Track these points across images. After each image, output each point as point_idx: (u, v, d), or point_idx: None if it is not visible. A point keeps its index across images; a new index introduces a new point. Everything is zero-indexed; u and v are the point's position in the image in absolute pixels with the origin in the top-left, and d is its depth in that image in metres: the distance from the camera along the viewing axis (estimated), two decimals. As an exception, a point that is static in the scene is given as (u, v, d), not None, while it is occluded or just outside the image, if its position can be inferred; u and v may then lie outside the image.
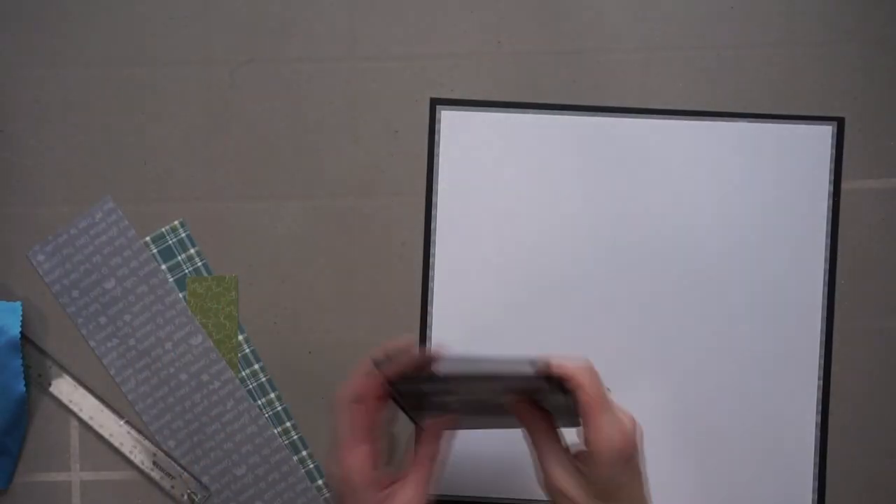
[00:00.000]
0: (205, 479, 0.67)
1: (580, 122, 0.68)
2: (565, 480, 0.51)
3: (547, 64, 0.68)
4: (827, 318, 0.68)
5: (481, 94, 0.68)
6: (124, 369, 0.67)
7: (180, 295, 0.67)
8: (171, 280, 0.67)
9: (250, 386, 0.68)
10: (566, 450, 0.54)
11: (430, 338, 0.68)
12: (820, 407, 0.67)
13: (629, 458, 0.52)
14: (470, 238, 0.68)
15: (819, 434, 0.67)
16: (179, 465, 0.67)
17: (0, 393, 0.65)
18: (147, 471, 0.67)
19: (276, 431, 0.68)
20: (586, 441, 0.51)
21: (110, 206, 0.67)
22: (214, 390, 0.67)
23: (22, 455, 0.68)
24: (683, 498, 0.66)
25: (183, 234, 0.68)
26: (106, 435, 0.67)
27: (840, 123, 0.68)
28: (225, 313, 0.68)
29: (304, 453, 0.68)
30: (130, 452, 0.67)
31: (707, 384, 0.67)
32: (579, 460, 0.53)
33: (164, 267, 0.68)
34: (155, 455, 0.67)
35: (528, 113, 0.68)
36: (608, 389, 0.52)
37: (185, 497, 0.67)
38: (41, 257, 0.67)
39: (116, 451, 0.68)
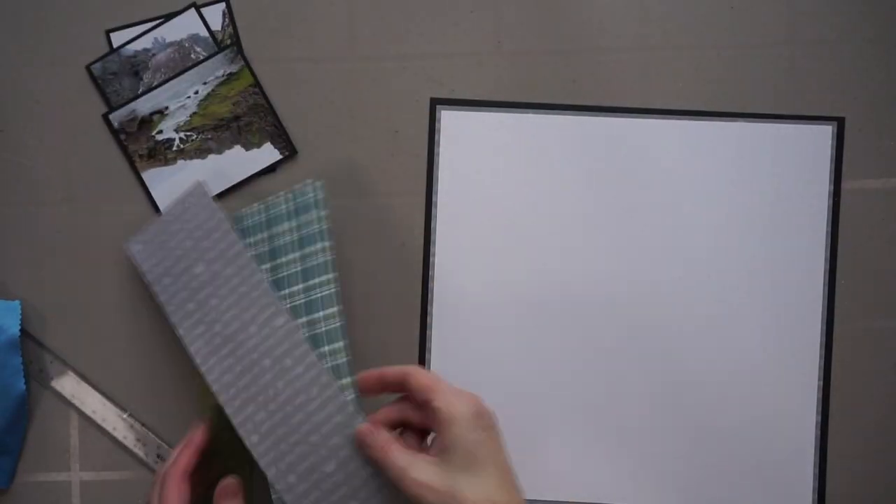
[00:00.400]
0: (291, 478, 0.59)
1: (580, 122, 0.68)
2: (425, 473, 0.52)
3: (547, 64, 0.68)
4: (827, 318, 0.68)
5: (481, 94, 0.68)
6: (210, 357, 0.62)
7: (265, 276, 0.63)
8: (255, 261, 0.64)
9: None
10: (413, 452, 0.55)
11: (430, 338, 0.68)
12: (820, 407, 0.67)
13: (479, 414, 0.54)
14: (470, 238, 0.68)
15: (819, 434, 0.67)
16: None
17: (0, 392, 0.65)
18: (151, 464, 0.67)
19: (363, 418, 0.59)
20: (436, 412, 0.54)
21: (201, 190, 0.64)
22: (298, 376, 0.60)
23: (22, 455, 0.68)
24: (683, 497, 0.66)
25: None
26: (109, 429, 0.67)
27: (840, 123, 0.68)
28: None
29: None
30: (134, 446, 0.67)
31: (707, 384, 0.67)
32: (429, 453, 0.55)
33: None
34: (159, 447, 0.67)
35: (528, 113, 0.68)
36: None
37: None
38: (138, 247, 0.64)
39: (117, 449, 0.68)
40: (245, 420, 0.59)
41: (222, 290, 0.62)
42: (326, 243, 0.63)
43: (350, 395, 0.59)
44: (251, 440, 0.59)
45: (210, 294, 0.62)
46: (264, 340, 0.60)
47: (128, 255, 0.64)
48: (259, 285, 0.62)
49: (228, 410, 0.60)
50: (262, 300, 0.61)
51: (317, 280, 0.62)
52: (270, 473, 0.58)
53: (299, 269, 0.63)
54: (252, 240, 0.64)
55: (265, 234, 0.64)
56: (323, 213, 0.63)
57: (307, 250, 0.63)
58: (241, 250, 0.62)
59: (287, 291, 0.62)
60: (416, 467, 0.53)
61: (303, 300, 0.62)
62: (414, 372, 0.56)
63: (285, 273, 0.63)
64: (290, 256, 0.63)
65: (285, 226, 0.64)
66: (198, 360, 0.61)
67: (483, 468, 0.53)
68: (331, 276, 0.62)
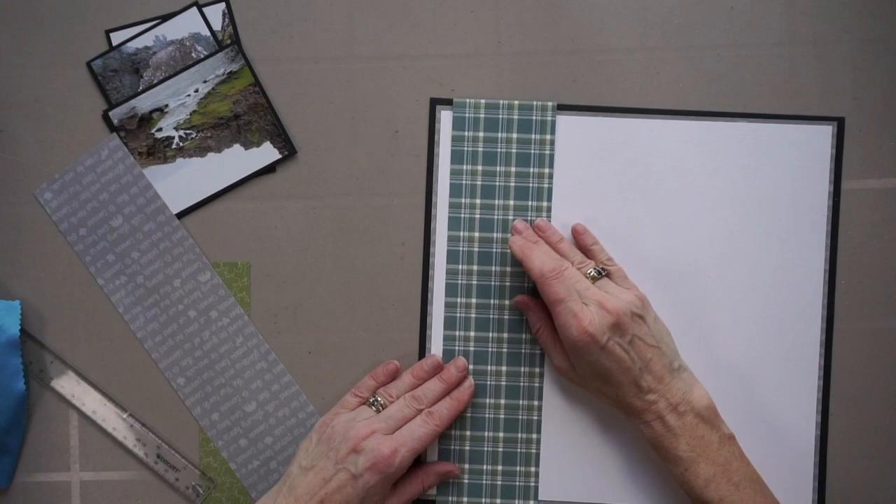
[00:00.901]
0: (214, 416, 0.67)
1: (580, 122, 0.68)
2: (566, 367, 0.65)
3: (547, 64, 0.68)
4: (827, 317, 0.68)
5: (481, 94, 0.68)
6: (133, 307, 0.67)
7: (187, 231, 0.67)
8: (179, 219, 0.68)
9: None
10: (556, 339, 0.65)
11: (430, 338, 0.68)
12: (820, 407, 0.67)
13: (588, 341, 0.60)
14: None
15: (819, 434, 0.67)
16: (183, 456, 0.67)
17: (0, 392, 0.65)
18: (151, 464, 0.67)
19: (284, 367, 0.68)
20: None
21: (116, 143, 0.67)
22: (223, 327, 0.67)
23: (22, 455, 0.68)
24: (684, 497, 0.66)
25: None
26: (109, 429, 0.67)
27: (840, 123, 0.68)
28: (237, 300, 0.68)
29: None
30: (134, 446, 0.67)
31: (707, 384, 0.67)
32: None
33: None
34: (159, 447, 0.67)
35: (528, 113, 0.68)
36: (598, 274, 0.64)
37: (190, 489, 0.67)
38: (48, 195, 0.67)
39: (117, 448, 0.68)
40: (171, 364, 0.66)
41: (143, 244, 0.66)
42: (547, 170, 0.67)
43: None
44: (177, 382, 0.66)
45: (130, 247, 0.66)
46: (189, 294, 0.66)
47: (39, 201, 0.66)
48: (182, 242, 0.65)
49: (154, 356, 0.67)
50: (186, 256, 0.65)
51: (533, 203, 0.67)
52: (196, 412, 0.67)
53: (512, 185, 0.67)
54: (464, 133, 0.67)
55: (480, 134, 0.67)
56: (551, 137, 0.67)
57: (522, 170, 0.67)
58: (162, 206, 0.64)
59: (499, 203, 0.67)
60: (557, 355, 0.65)
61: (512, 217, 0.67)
62: (544, 289, 0.62)
63: (500, 184, 0.67)
64: (503, 168, 0.66)
65: (502, 134, 0.67)
66: (120, 310, 0.66)
67: (608, 379, 0.61)
68: (548, 203, 0.67)
